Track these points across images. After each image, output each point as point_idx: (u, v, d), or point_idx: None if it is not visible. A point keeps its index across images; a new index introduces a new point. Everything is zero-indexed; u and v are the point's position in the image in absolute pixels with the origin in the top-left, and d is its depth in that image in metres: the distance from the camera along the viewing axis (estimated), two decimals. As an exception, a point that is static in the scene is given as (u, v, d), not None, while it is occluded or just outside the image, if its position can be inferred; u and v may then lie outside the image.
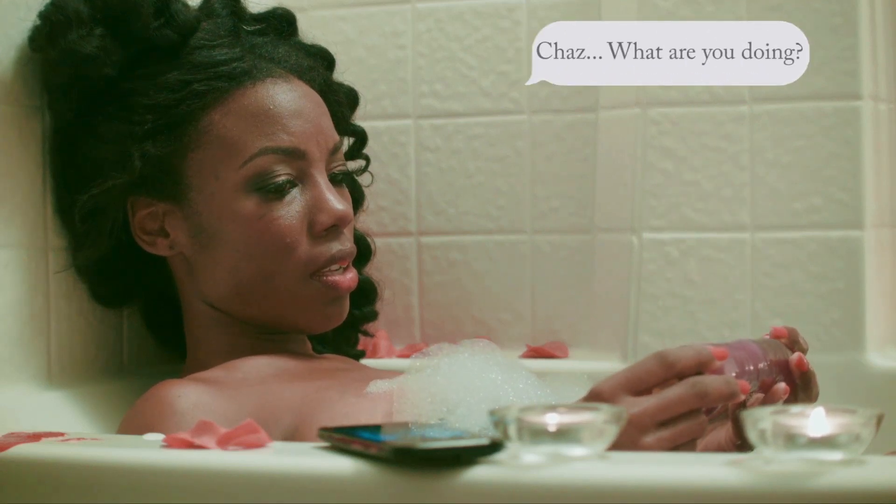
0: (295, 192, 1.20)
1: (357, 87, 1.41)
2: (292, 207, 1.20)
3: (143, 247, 1.24)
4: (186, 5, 1.25)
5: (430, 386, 1.12)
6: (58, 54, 1.20)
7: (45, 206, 1.24)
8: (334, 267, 1.22)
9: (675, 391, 0.93)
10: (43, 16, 1.22)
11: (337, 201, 1.21)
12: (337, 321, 1.25)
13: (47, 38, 1.21)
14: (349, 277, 1.23)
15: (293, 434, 1.10)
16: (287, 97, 1.22)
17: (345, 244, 1.23)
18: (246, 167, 1.19)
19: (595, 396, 0.95)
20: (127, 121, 1.20)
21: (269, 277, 1.20)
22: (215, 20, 1.26)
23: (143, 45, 1.21)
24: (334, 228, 1.22)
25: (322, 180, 1.22)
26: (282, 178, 1.19)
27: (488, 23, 1.53)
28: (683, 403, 0.93)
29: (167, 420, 1.09)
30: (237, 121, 1.20)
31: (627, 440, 0.90)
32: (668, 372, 0.94)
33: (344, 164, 1.27)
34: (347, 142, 1.39)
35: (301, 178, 1.21)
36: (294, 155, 1.20)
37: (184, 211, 1.21)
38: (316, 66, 1.31)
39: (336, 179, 1.25)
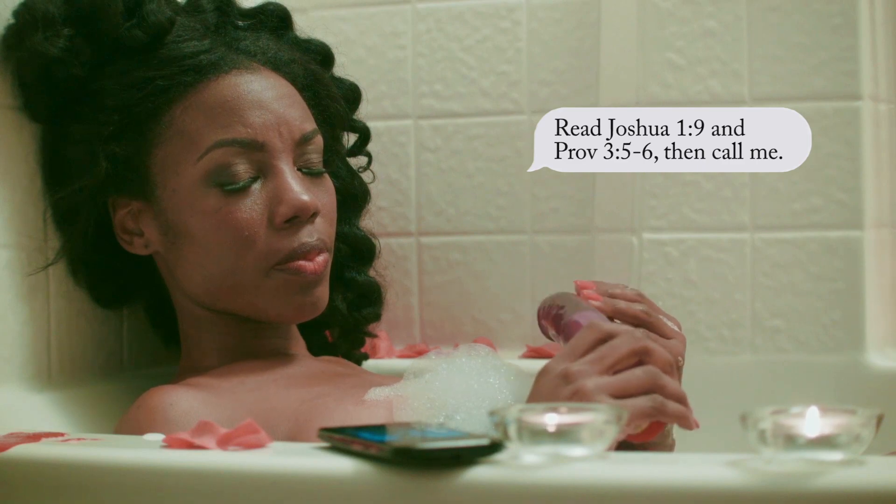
0: (256, 184, 1.16)
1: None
2: (252, 200, 1.16)
3: (123, 246, 1.22)
4: (162, 4, 1.20)
5: (428, 391, 1.12)
6: (25, 55, 1.19)
7: (45, 206, 1.24)
8: (300, 261, 1.17)
9: (611, 341, 0.97)
10: (15, 14, 1.20)
11: (300, 192, 1.16)
12: (312, 311, 1.19)
13: (16, 38, 1.20)
14: (316, 262, 1.17)
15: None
16: (248, 88, 1.18)
17: (311, 237, 1.17)
18: (203, 161, 1.16)
19: (542, 372, 0.99)
20: (94, 121, 1.18)
21: (232, 271, 1.17)
22: (197, 16, 1.24)
23: (112, 45, 1.19)
24: (296, 220, 1.16)
25: (287, 171, 1.17)
26: (240, 171, 1.16)
27: (488, 23, 1.53)
28: (619, 348, 0.96)
29: (159, 429, 1.07)
30: (196, 114, 1.17)
31: (571, 390, 0.94)
32: (600, 334, 0.98)
33: (319, 155, 1.22)
34: (348, 138, 1.39)
35: (263, 171, 1.17)
36: (252, 147, 1.16)
37: (153, 209, 1.19)
38: (301, 59, 1.27)
39: (312, 171, 1.20)
